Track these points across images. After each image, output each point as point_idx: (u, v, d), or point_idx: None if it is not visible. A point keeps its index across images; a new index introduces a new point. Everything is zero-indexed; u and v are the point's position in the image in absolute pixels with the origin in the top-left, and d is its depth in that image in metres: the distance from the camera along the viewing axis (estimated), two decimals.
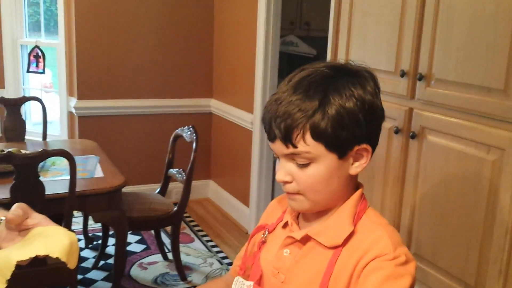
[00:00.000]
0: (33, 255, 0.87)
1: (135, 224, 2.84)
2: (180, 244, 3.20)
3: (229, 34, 4.03)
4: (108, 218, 2.63)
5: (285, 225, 1.09)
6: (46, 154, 2.17)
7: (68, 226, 2.43)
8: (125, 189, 2.70)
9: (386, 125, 2.10)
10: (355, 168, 0.99)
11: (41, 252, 0.87)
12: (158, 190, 3.26)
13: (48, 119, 3.65)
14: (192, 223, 3.93)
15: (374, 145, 1.01)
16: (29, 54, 4.26)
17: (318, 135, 0.93)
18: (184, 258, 3.26)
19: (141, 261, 3.29)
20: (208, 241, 3.64)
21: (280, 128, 0.95)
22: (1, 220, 0.99)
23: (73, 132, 4.15)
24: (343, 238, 0.97)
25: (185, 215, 4.00)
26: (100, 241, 3.28)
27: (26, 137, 3.59)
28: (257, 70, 3.60)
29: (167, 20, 4.08)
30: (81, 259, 3.21)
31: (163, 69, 4.15)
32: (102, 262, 3.22)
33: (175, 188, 3.84)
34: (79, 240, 3.39)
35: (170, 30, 4.11)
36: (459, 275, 1.82)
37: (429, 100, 1.93)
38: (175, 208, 3.00)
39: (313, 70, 0.99)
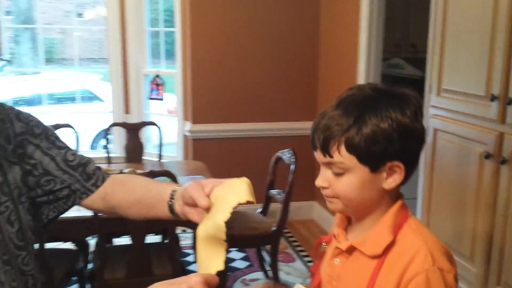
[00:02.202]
0: (231, 209, 1.01)
1: (235, 241, 3.01)
2: (281, 263, 3.31)
3: (333, 59, 4.11)
4: None
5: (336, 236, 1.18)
6: (152, 174, 2.41)
7: (173, 241, 2.65)
8: None
9: (477, 150, 2.06)
10: (389, 183, 1.05)
11: (235, 203, 1.01)
12: (260, 210, 3.41)
13: (170, 141, 3.95)
14: (294, 243, 4.02)
15: (409, 164, 1.05)
16: (151, 83, 4.68)
17: (351, 148, 1.02)
18: (284, 277, 3.36)
19: (244, 277, 3.45)
20: (309, 261, 3.71)
21: (319, 139, 1.06)
22: (176, 189, 1.19)
23: (188, 154, 4.47)
24: (382, 248, 1.04)
25: (288, 235, 4.12)
26: None
27: (146, 157, 3.95)
28: None
29: (274, 48, 4.27)
30: (189, 272, 3.44)
31: (271, 94, 4.34)
32: None
33: (279, 208, 3.96)
34: (189, 254, 3.65)
35: (277, 58, 4.29)
36: None
37: None
38: (274, 228, 3.12)
39: (357, 90, 1.08)
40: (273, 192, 3.30)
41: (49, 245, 2.68)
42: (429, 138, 2.41)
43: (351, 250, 1.10)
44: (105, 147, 3.76)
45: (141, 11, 4.61)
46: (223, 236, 1.00)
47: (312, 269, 1.27)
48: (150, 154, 4.41)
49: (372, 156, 1.02)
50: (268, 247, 3.60)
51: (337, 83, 4.04)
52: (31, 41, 7.55)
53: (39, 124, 1.29)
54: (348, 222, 1.18)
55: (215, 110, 4.28)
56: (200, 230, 1.04)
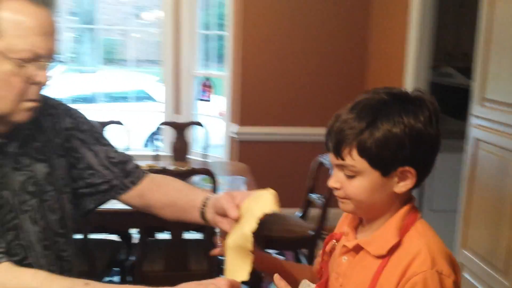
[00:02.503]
0: (258, 220, 1.08)
1: (272, 242, 3.05)
2: None
3: (381, 66, 4.10)
4: None
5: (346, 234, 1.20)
6: (192, 171, 2.50)
7: (210, 238, 2.72)
8: None
9: None
10: (400, 187, 1.06)
11: (261, 214, 1.08)
12: (300, 213, 3.43)
13: (217, 142, 4.04)
14: None
15: (422, 170, 1.06)
16: (201, 84, 4.80)
17: (362, 152, 1.04)
18: None
19: None
20: None
21: (333, 141, 1.08)
22: (209, 197, 1.27)
23: (234, 155, 4.55)
24: (387, 249, 1.06)
25: None
26: None
27: (192, 157, 4.06)
28: None
29: (323, 54, 4.30)
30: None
31: (317, 100, 4.36)
32: None
33: (319, 213, 3.97)
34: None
35: (325, 64, 4.32)
36: None
37: None
38: (312, 232, 3.13)
39: (372, 94, 1.09)
40: (313, 196, 3.33)
41: (93, 236, 2.81)
42: (470, 149, 2.38)
43: (357, 249, 1.12)
44: (154, 145, 3.90)
45: (194, 15, 4.74)
46: (250, 247, 1.06)
47: (321, 266, 1.28)
48: (197, 153, 4.51)
49: (383, 161, 1.04)
50: (305, 251, 3.63)
51: None
52: (92, 42, 7.88)
53: (86, 121, 1.38)
54: (360, 222, 1.20)
55: (262, 113, 4.35)
56: (229, 240, 1.11)
